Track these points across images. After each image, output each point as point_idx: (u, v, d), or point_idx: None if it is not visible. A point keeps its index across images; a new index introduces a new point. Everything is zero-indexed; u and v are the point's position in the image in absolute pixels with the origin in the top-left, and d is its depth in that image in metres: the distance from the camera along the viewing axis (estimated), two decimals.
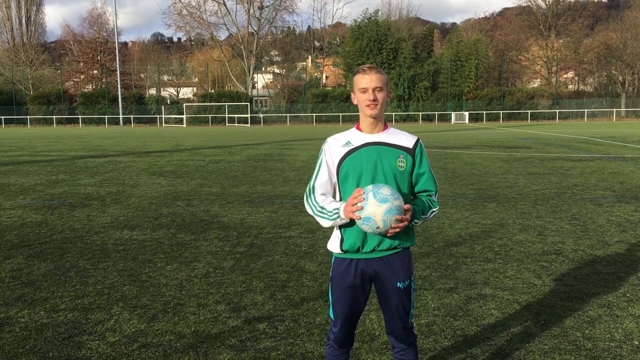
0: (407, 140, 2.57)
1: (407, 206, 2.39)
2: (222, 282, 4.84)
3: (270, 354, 3.44)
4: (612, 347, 3.51)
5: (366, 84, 2.47)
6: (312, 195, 2.59)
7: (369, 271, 2.54)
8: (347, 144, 2.54)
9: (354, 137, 2.56)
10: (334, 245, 2.59)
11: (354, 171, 2.48)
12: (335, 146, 2.56)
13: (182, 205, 8.67)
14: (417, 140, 2.59)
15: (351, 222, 2.48)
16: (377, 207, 2.31)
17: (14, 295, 4.54)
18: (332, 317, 2.64)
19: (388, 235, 2.41)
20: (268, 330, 3.80)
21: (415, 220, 2.48)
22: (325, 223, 2.53)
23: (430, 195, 2.59)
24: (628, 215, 7.47)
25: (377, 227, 2.34)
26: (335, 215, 2.47)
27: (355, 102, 2.57)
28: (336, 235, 2.58)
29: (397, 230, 2.37)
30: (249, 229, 6.92)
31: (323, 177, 2.58)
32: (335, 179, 2.58)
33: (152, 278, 4.96)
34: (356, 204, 2.35)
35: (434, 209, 2.57)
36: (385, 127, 2.58)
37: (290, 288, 4.65)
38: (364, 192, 2.36)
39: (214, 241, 6.30)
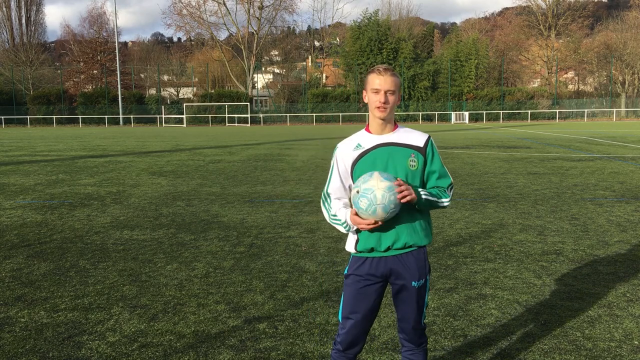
0: (417, 138, 2.55)
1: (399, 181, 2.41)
2: (222, 282, 4.84)
3: (270, 354, 3.44)
4: (612, 347, 3.50)
5: (379, 85, 2.46)
6: (327, 200, 2.64)
7: (384, 270, 2.53)
8: (357, 147, 2.55)
9: (364, 139, 2.56)
10: (350, 245, 2.62)
11: None
12: (346, 151, 2.57)
13: (182, 205, 8.67)
14: (428, 138, 2.57)
15: None
16: (381, 182, 2.34)
17: (14, 295, 4.54)
18: (340, 319, 2.61)
19: (399, 198, 2.34)
20: (268, 330, 3.80)
21: (423, 194, 2.45)
22: (340, 229, 2.58)
23: (440, 188, 2.57)
24: (628, 215, 7.47)
25: (377, 201, 2.33)
26: (347, 227, 2.54)
27: (365, 101, 2.56)
28: (353, 236, 2.60)
29: (405, 194, 2.34)
30: (249, 229, 6.92)
31: (335, 184, 2.61)
32: (349, 182, 2.59)
33: (152, 278, 4.96)
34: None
35: (444, 199, 2.55)
36: (395, 126, 2.57)
37: (290, 288, 4.65)
38: (369, 173, 2.41)
39: (214, 241, 6.30)
